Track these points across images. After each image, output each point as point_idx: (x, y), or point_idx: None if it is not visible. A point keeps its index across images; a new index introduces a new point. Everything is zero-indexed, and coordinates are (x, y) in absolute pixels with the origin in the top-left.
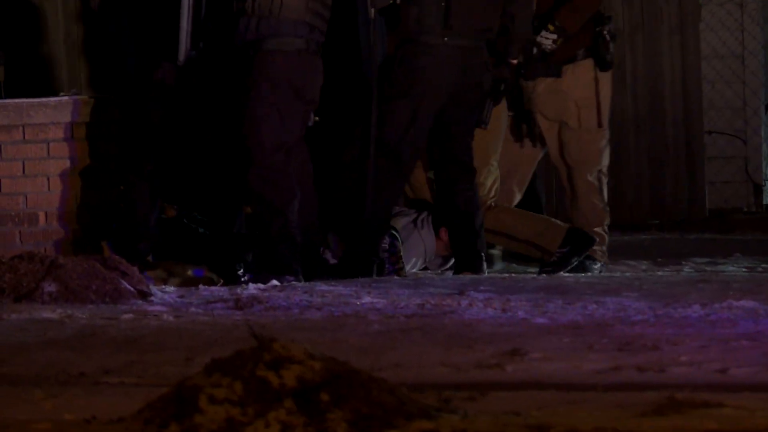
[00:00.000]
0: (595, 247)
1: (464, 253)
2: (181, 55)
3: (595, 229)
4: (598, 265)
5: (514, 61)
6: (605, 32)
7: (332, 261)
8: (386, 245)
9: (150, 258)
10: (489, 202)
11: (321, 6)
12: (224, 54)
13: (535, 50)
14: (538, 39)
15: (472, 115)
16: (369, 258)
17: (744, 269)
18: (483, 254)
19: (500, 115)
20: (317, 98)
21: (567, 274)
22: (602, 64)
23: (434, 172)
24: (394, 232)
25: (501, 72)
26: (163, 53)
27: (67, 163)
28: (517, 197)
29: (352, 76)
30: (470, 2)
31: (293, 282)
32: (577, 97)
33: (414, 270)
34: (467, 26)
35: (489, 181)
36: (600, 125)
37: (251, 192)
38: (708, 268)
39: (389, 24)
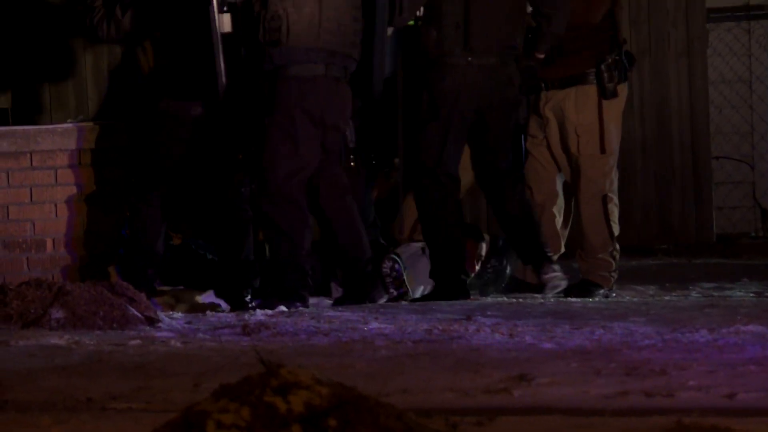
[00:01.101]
0: (600, 273)
1: (530, 251)
2: (221, 90)
3: (599, 255)
4: (602, 290)
5: (542, 56)
6: (609, 60)
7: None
8: (388, 269)
9: (157, 284)
10: None
11: (342, 30)
12: (244, 84)
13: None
14: None
15: (508, 125)
16: (458, 278)
17: (752, 294)
18: (547, 250)
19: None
20: (342, 124)
21: (574, 300)
22: (602, 92)
23: (480, 187)
24: (394, 257)
25: (528, 64)
26: (202, 90)
27: (74, 190)
28: (559, 221)
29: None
30: (489, 22)
31: (300, 308)
32: (578, 123)
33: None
34: (489, 46)
35: None
36: (603, 151)
37: (263, 217)
38: (715, 293)
39: (411, 45)
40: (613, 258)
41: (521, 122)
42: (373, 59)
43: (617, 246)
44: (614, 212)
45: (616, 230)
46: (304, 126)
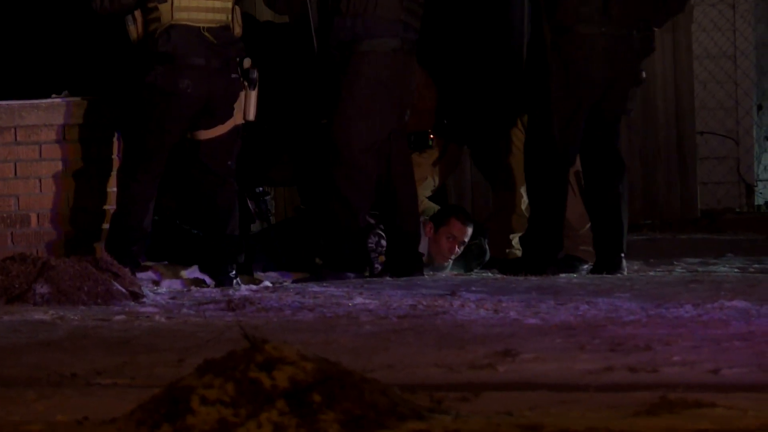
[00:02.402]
0: (582, 248)
1: (606, 252)
2: (316, 46)
3: (579, 231)
4: (586, 265)
5: (658, 28)
6: None
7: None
8: (373, 244)
9: (141, 259)
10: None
11: (416, 5)
12: (312, 53)
13: None
14: None
15: (624, 104)
16: (552, 255)
17: (736, 269)
18: (623, 254)
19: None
20: (411, 97)
21: (561, 275)
22: None
23: (582, 166)
24: (380, 232)
25: (645, 34)
26: (294, 47)
27: (59, 165)
28: (525, 201)
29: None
30: None
31: (353, 279)
32: None
33: None
34: (625, 15)
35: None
36: None
37: (332, 187)
38: (700, 269)
39: (546, 12)
40: (591, 232)
41: (630, 111)
42: (513, 27)
43: None
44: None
45: None
46: (383, 100)
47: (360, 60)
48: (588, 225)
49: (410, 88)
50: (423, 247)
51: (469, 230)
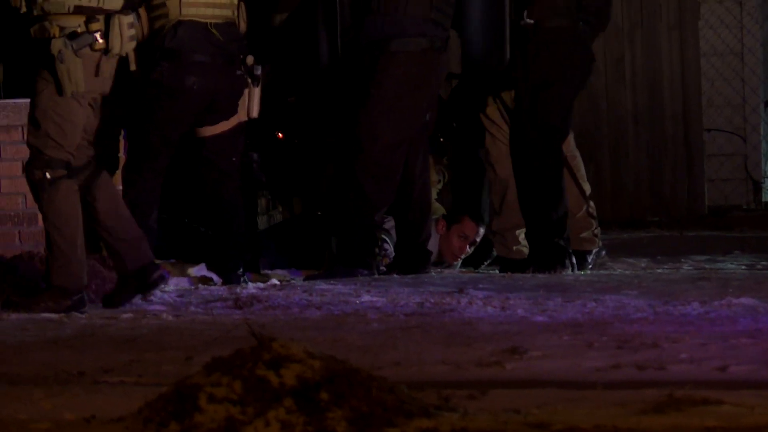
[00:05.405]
0: (582, 235)
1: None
2: (324, 57)
3: (576, 215)
4: (591, 255)
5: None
6: None
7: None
8: (377, 248)
9: None
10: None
11: (446, 3)
12: (347, 52)
13: None
14: None
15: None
16: (559, 246)
17: (743, 267)
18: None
19: None
20: (438, 92)
21: (567, 273)
22: None
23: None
24: (384, 237)
25: None
26: (302, 58)
27: None
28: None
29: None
30: None
31: (366, 275)
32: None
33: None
34: (595, 6)
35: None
36: None
37: (353, 181)
38: (707, 266)
39: (519, 9)
40: (591, 216)
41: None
42: (493, 25)
43: (592, 204)
44: (580, 167)
45: (587, 188)
46: (411, 99)
47: (389, 59)
48: (585, 208)
49: (438, 88)
50: (433, 245)
51: (481, 230)
